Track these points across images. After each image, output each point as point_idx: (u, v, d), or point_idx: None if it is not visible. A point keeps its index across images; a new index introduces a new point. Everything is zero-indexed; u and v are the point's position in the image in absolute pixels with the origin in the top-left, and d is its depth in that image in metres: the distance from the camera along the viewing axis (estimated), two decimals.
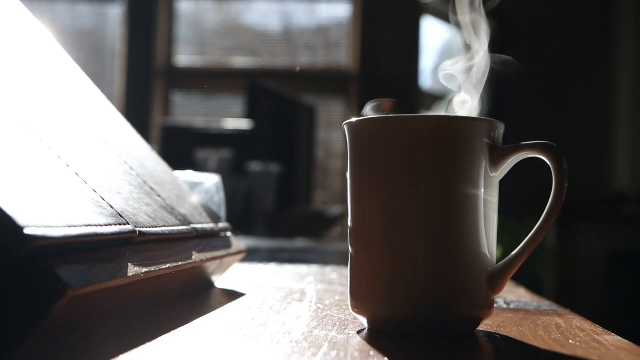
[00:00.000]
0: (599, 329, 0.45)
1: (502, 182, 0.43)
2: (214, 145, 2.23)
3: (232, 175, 1.94)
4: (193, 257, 0.51)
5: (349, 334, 0.40)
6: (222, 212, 0.70)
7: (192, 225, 0.55)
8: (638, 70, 3.22)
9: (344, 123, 0.44)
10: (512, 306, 0.54)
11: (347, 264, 0.44)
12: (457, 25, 0.44)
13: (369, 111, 0.46)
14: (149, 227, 0.45)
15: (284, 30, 3.58)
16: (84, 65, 0.64)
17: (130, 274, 0.39)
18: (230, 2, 3.60)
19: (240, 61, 3.55)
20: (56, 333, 0.33)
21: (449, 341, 0.40)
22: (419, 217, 0.40)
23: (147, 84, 3.44)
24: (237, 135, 2.37)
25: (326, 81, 3.51)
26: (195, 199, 0.64)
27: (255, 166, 2.09)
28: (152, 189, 0.54)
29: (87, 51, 3.52)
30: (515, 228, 2.44)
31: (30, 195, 0.35)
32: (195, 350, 0.35)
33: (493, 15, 0.47)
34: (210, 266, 0.58)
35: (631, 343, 0.40)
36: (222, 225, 0.64)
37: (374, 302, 0.42)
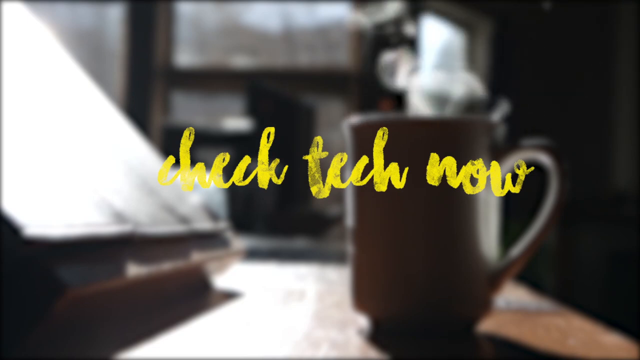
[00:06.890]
0: (599, 329, 0.45)
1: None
2: (214, 145, 2.23)
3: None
4: (193, 257, 0.51)
5: (349, 334, 0.40)
6: (222, 212, 0.70)
7: (192, 225, 0.55)
8: (638, 70, 3.22)
9: (343, 122, 0.44)
10: (512, 306, 0.54)
11: (346, 264, 0.44)
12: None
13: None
14: (149, 227, 0.45)
15: (284, 30, 3.58)
16: (84, 65, 0.64)
17: (130, 274, 0.39)
18: (230, 2, 3.60)
19: (240, 61, 3.55)
20: (56, 333, 0.33)
21: (449, 341, 0.40)
22: (419, 216, 0.40)
23: (147, 84, 3.43)
24: (237, 135, 2.37)
25: (326, 81, 3.50)
26: (195, 199, 0.64)
27: (255, 166, 2.08)
28: (152, 189, 0.54)
29: (87, 51, 3.51)
30: (515, 228, 2.44)
31: (30, 194, 0.35)
32: (195, 350, 0.35)
33: (494, 15, 0.47)
34: (210, 266, 0.58)
35: (631, 343, 0.40)
36: (222, 225, 0.64)
37: (374, 301, 0.42)
